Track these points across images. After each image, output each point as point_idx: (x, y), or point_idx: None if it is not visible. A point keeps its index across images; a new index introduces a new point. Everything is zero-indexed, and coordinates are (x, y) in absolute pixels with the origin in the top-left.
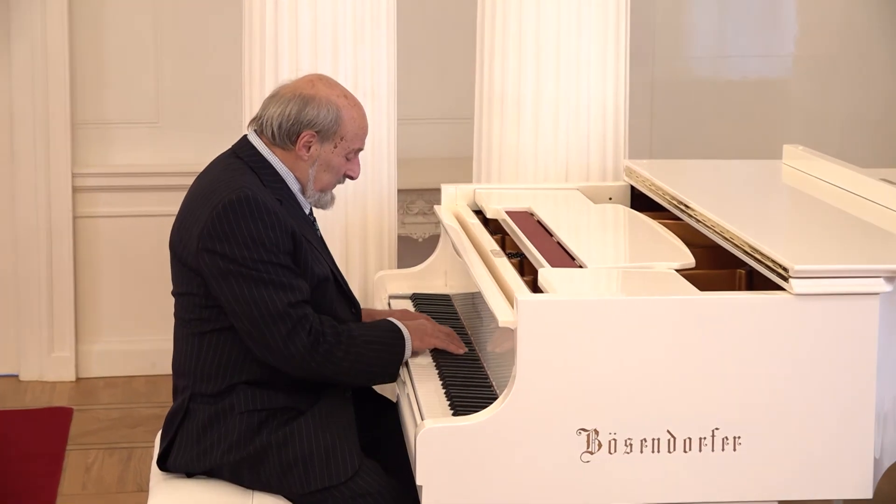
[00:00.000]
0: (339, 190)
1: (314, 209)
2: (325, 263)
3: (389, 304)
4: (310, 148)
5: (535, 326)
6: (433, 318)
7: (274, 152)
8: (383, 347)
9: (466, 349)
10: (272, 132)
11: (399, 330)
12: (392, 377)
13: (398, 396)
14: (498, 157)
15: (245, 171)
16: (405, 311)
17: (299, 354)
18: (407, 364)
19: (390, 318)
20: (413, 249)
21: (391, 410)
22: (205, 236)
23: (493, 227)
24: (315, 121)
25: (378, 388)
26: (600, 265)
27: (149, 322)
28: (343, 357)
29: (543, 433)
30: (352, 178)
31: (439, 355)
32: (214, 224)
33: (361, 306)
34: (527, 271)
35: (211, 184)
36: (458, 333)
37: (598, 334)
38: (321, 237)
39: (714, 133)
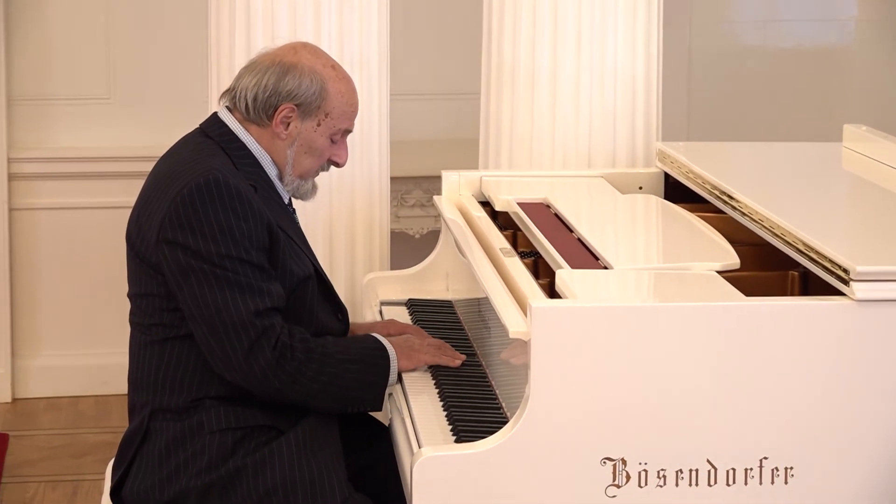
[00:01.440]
0: (321, 178)
1: (293, 199)
2: (307, 260)
3: (381, 312)
4: (289, 124)
5: (552, 337)
6: (430, 329)
7: (248, 130)
8: (364, 368)
9: (465, 358)
10: (246, 105)
11: (383, 348)
12: (374, 405)
13: (391, 419)
14: (508, 139)
15: (215, 151)
16: (390, 322)
17: (261, 371)
18: (401, 381)
19: (374, 334)
20: (409, 247)
21: (382, 435)
22: (166, 225)
23: (502, 221)
24: (295, 92)
25: None
26: (629, 266)
27: (98, 333)
28: (314, 377)
29: (562, 463)
30: (338, 164)
31: (439, 371)
32: (178, 211)
33: (348, 314)
34: (542, 273)
35: (175, 166)
36: (461, 346)
37: (626, 347)
38: (302, 231)
39: (762, 111)
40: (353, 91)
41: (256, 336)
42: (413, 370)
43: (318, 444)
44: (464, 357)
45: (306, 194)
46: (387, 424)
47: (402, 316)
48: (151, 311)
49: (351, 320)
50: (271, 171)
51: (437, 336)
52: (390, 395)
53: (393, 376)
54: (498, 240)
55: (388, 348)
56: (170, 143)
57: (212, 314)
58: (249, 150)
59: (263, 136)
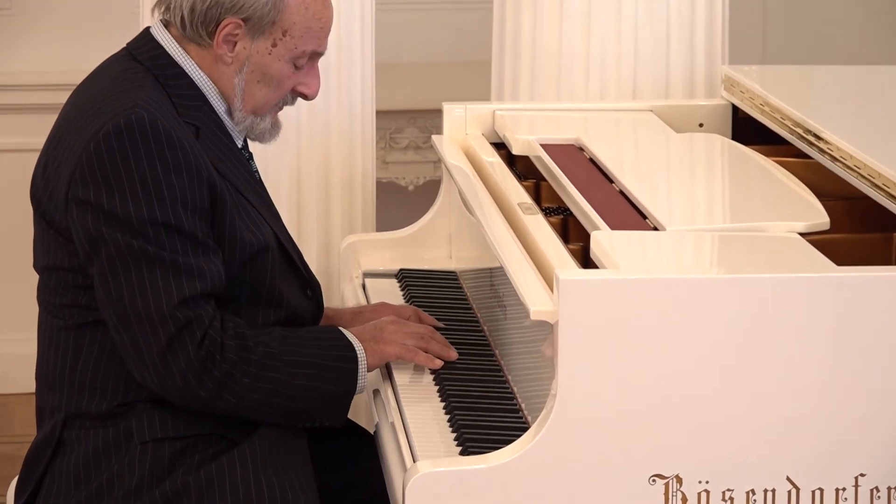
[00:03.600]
0: (286, 114)
1: (249, 141)
2: (266, 225)
3: (364, 286)
4: (234, 44)
5: (587, 319)
6: (426, 309)
7: (187, 52)
8: (320, 374)
9: (453, 356)
10: (182, 19)
11: (349, 345)
12: (336, 418)
13: (377, 425)
14: (530, 61)
15: (144, 81)
16: (381, 307)
17: (181, 376)
18: (390, 376)
19: (339, 327)
20: (400, 203)
21: (367, 446)
22: (76, 180)
23: (521, 168)
24: (241, 3)
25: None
26: (685, 227)
27: None
28: (251, 385)
29: (598, 481)
30: (306, 96)
31: None
32: (90, 161)
33: (322, 294)
34: (573, 236)
35: (92, 101)
36: (468, 330)
37: (681, 332)
38: (261, 183)
39: (858, 25)
40: (322, 1)
41: (177, 330)
42: (405, 363)
43: (281, 458)
44: (454, 355)
45: (264, 134)
46: (372, 432)
47: (392, 291)
48: (64, 289)
49: (325, 299)
50: (219, 106)
51: (436, 317)
52: (376, 391)
53: (361, 382)
54: (516, 192)
55: (355, 346)
56: (89, 69)
57: (123, 300)
58: (190, 78)
59: (205, 60)
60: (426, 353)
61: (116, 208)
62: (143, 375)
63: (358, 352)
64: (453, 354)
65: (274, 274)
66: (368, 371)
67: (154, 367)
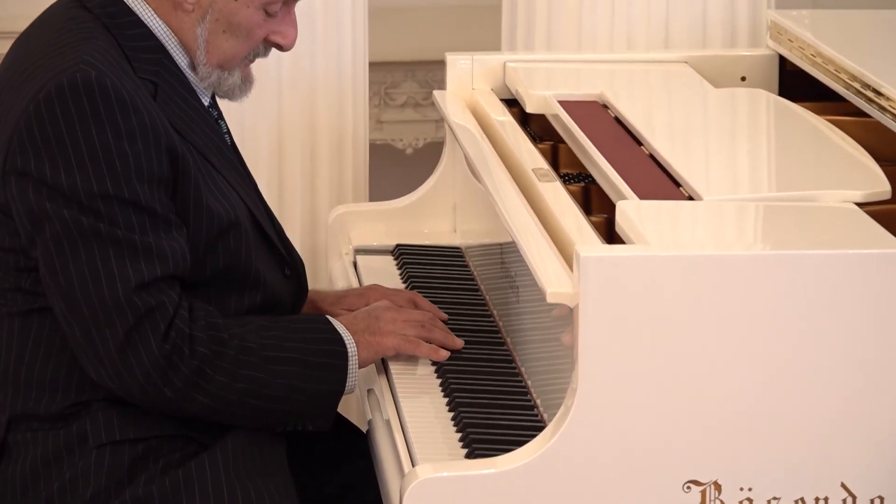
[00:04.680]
0: (265, 67)
1: (218, 99)
2: (236, 195)
3: (355, 264)
4: None
5: (611, 302)
6: (427, 292)
7: None
8: (304, 372)
9: (460, 344)
10: None
11: (338, 339)
12: (321, 422)
13: (370, 422)
14: (546, 5)
15: (93, 31)
16: (372, 290)
17: (144, 373)
18: (386, 368)
19: (328, 316)
20: (397, 168)
21: (360, 447)
22: (14, 148)
23: (536, 128)
24: None
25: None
26: (725, 196)
27: None
28: (224, 385)
29: (624, 489)
30: (281, 46)
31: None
32: (30, 127)
33: (305, 273)
34: (596, 206)
35: (33, 58)
36: (475, 315)
37: (720, 317)
38: (233, 146)
39: None
40: None
41: (136, 319)
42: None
43: (256, 463)
44: (459, 343)
45: (233, 91)
46: (364, 430)
47: (387, 270)
48: (5, 272)
49: (311, 279)
50: (181, 60)
51: (438, 302)
52: (370, 390)
53: (351, 381)
54: (530, 156)
55: (345, 339)
56: (32, 17)
57: (72, 286)
58: (147, 28)
59: (163, 6)
60: (429, 343)
61: (61, 181)
62: (98, 373)
63: (349, 346)
64: (458, 343)
65: (248, 252)
66: (361, 367)
67: (111, 364)
